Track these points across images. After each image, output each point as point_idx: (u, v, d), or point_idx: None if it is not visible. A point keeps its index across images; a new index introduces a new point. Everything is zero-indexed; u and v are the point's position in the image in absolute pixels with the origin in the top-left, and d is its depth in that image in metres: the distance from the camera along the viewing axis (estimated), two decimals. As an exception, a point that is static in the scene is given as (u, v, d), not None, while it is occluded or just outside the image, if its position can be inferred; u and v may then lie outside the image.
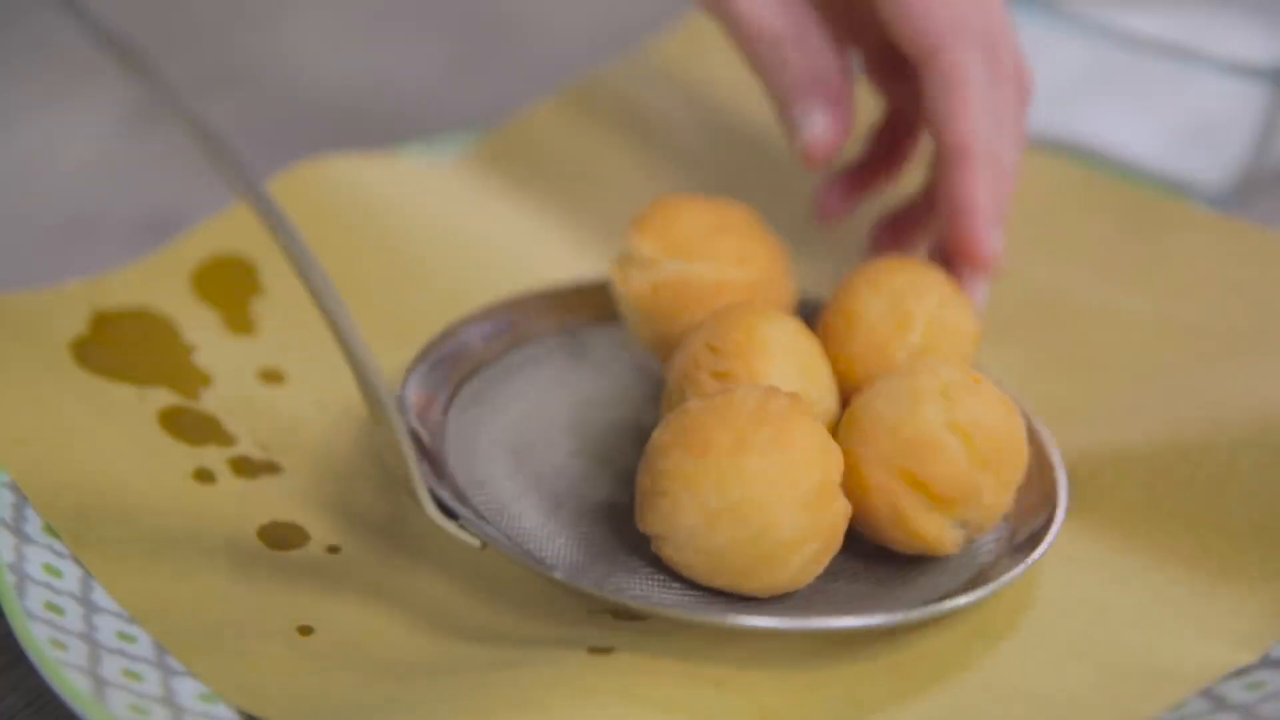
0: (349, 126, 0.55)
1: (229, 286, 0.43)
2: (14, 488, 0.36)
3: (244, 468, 0.38)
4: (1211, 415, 0.39)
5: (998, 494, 0.35)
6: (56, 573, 0.34)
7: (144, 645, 0.33)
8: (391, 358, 0.40)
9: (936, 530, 0.35)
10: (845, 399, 0.38)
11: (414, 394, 0.38)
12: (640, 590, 0.34)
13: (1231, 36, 0.57)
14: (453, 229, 0.46)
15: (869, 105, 0.48)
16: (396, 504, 0.38)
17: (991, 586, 0.34)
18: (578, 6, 0.63)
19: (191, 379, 0.40)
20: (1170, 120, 0.51)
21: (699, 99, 0.52)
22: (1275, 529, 0.36)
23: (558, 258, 0.46)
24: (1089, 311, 0.44)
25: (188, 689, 0.32)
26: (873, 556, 0.36)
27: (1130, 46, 0.50)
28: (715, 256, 0.39)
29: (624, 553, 0.36)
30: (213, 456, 0.38)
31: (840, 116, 0.43)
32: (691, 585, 0.35)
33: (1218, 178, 0.50)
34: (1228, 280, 0.44)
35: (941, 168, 0.41)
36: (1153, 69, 0.50)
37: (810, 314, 0.41)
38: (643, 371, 0.41)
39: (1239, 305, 0.43)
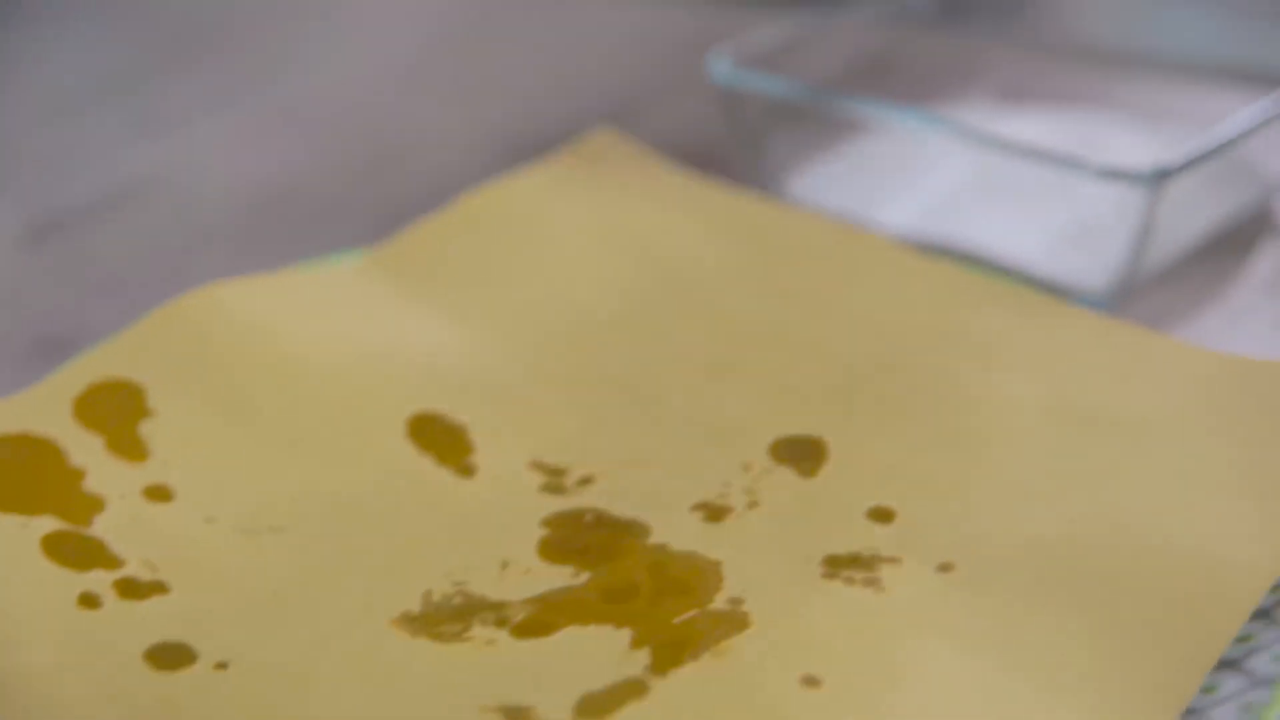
0: (252, 238, 0.55)
1: (116, 410, 0.43)
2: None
3: (131, 589, 0.38)
4: (1096, 502, 0.40)
5: None
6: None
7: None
8: (286, 484, 0.40)
9: None
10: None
11: None
12: None
13: (1112, 142, 0.58)
14: (352, 341, 0.46)
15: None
16: (286, 618, 0.38)
17: None
18: (482, 117, 0.64)
19: (80, 505, 0.40)
20: (1052, 225, 0.52)
21: (599, 213, 0.52)
22: (1158, 623, 0.36)
23: (460, 368, 0.46)
24: (976, 398, 0.45)
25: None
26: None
27: (1013, 153, 0.51)
28: None
29: None
30: (99, 580, 0.38)
31: None
32: None
33: (1099, 281, 0.51)
34: (1112, 373, 0.45)
35: None
36: (1036, 175, 0.51)
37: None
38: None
39: (1119, 398, 0.44)
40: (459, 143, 0.62)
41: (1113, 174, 0.50)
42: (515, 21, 0.72)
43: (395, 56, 0.70)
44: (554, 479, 0.41)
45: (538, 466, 0.41)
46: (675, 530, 0.40)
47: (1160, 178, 0.50)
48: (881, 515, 0.40)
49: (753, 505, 0.41)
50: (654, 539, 0.40)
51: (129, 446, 0.42)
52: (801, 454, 0.42)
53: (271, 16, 0.75)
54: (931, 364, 0.46)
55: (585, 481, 0.41)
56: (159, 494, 0.41)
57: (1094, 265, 0.51)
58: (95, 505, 0.40)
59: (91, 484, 0.41)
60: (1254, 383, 0.44)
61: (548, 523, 0.40)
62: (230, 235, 0.56)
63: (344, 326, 0.47)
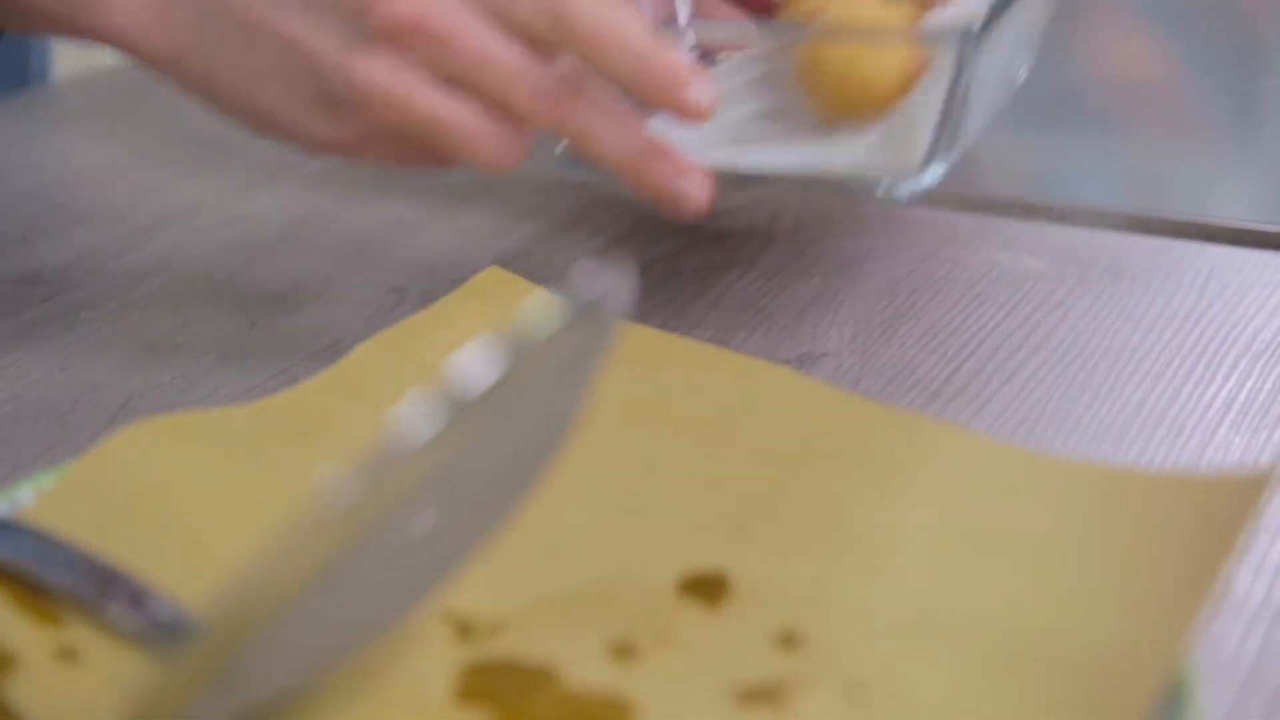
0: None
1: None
2: None
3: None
4: (994, 618, 0.41)
5: None
6: None
7: None
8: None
9: None
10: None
11: None
12: None
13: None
14: (250, 489, 0.46)
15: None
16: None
17: None
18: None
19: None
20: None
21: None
22: None
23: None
24: (875, 524, 0.45)
25: None
26: None
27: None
28: None
29: None
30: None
31: (692, 166, 0.52)
32: None
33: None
34: (1003, 495, 0.46)
35: None
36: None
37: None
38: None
39: (1011, 519, 0.45)
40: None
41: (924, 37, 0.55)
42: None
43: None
44: (463, 629, 0.41)
45: (447, 618, 0.42)
46: (587, 671, 0.40)
47: (969, 35, 0.53)
48: (790, 641, 0.41)
49: (662, 641, 0.41)
50: (566, 681, 0.40)
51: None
52: (707, 587, 0.43)
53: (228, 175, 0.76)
54: (830, 492, 0.47)
55: (495, 630, 0.41)
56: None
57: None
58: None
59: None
60: (1134, 495, 0.46)
61: (459, 673, 0.40)
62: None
63: (241, 474, 0.47)
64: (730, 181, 0.56)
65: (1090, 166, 0.82)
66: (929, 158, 0.55)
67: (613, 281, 0.36)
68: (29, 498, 0.46)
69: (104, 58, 0.83)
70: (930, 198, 0.69)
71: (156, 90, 0.82)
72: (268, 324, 0.60)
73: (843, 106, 0.57)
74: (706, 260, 0.64)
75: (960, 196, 0.69)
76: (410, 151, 0.54)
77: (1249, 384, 0.55)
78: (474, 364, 0.34)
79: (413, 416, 0.33)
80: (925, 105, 0.55)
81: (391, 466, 0.33)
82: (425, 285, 0.62)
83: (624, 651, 0.41)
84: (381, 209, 0.70)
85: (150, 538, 0.44)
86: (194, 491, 0.46)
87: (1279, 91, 0.99)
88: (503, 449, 0.37)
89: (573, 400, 0.40)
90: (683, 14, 0.65)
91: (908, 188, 0.56)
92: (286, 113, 0.54)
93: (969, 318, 0.59)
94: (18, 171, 0.78)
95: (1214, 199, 0.79)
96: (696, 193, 0.53)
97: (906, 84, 0.56)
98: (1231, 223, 0.67)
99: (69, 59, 0.91)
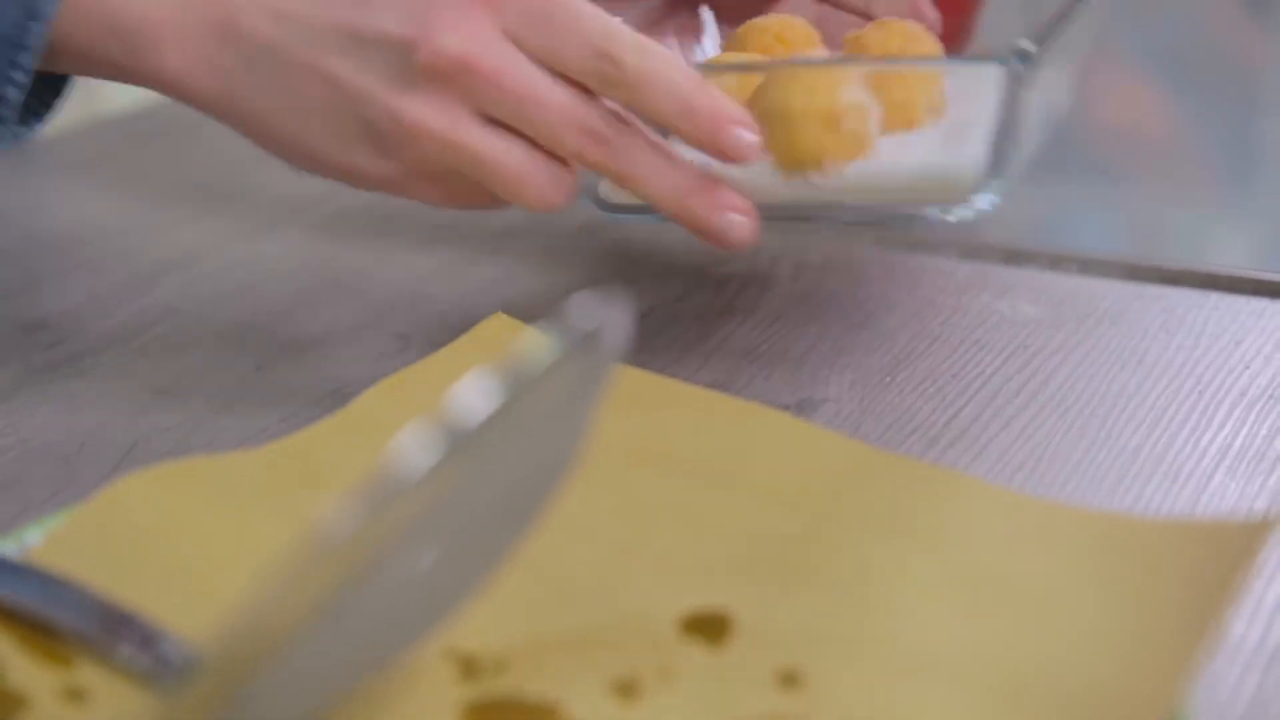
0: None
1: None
2: None
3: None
4: (997, 663, 0.41)
5: None
6: None
7: None
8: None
9: None
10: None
11: None
12: None
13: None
14: (256, 533, 0.47)
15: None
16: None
17: None
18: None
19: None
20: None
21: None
22: None
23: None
24: (878, 567, 0.46)
25: None
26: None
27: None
28: None
29: None
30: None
31: (737, 201, 0.54)
32: None
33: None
34: (1006, 541, 0.47)
35: None
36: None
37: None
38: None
39: (1013, 565, 0.46)
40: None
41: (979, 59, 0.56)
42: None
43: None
44: (467, 666, 0.42)
45: (450, 654, 0.42)
46: (590, 709, 0.40)
47: (1025, 59, 0.53)
48: (791, 680, 0.41)
49: (664, 680, 0.41)
50: (568, 719, 0.40)
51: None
52: (709, 626, 0.43)
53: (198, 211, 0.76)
54: (831, 534, 0.47)
55: (499, 666, 0.42)
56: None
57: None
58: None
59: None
60: (1132, 541, 0.46)
61: (463, 710, 0.40)
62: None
63: (247, 517, 0.47)
64: (772, 214, 0.57)
65: (1088, 215, 0.83)
66: (980, 186, 0.56)
67: (610, 314, 0.37)
68: (37, 540, 0.46)
69: (92, 109, 0.84)
70: (928, 245, 0.70)
71: (156, 139, 0.83)
72: (272, 369, 0.61)
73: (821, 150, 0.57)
74: (707, 306, 0.65)
75: (958, 244, 0.70)
76: (457, 192, 0.55)
77: (1244, 430, 0.55)
78: (472, 397, 0.34)
79: (411, 449, 0.34)
80: (974, 129, 0.56)
81: (391, 499, 0.33)
82: (430, 331, 0.62)
83: (626, 689, 0.41)
84: (386, 255, 0.71)
85: (158, 579, 0.45)
86: (201, 534, 0.47)
87: (1274, 141, 1.00)
88: (502, 481, 0.38)
89: (572, 433, 0.40)
90: (710, 47, 0.66)
91: (960, 213, 0.56)
92: (334, 151, 0.54)
93: (967, 364, 0.60)
94: (23, 218, 0.78)
95: (1210, 247, 0.80)
96: (741, 228, 0.54)
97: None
98: (1227, 270, 0.67)
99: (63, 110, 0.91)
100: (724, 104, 0.52)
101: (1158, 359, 0.60)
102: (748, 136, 0.52)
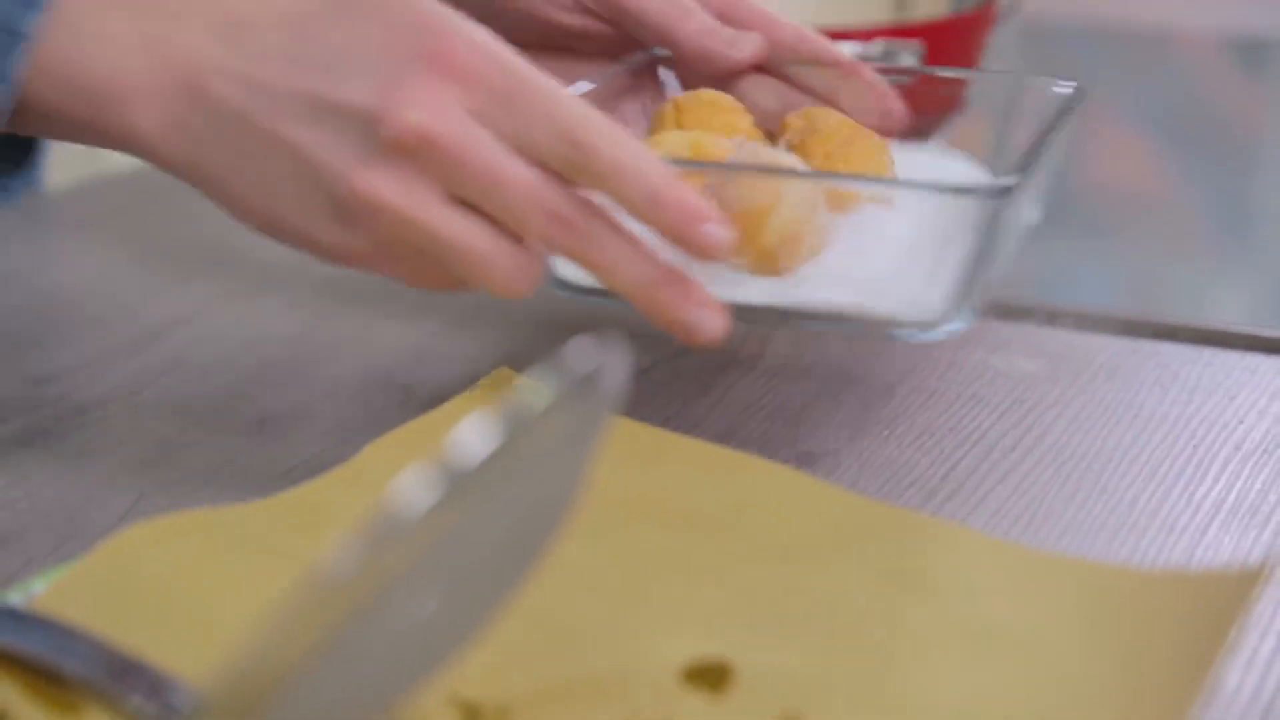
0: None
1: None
2: None
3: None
4: (1000, 711, 0.41)
5: None
6: None
7: None
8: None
9: None
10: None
11: None
12: None
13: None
14: (261, 582, 0.47)
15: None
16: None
17: None
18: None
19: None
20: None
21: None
22: None
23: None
24: (876, 616, 0.46)
25: None
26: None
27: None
28: None
29: None
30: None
31: (706, 297, 0.52)
32: None
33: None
34: (1003, 592, 0.47)
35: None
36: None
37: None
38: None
39: (1009, 615, 0.46)
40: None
41: (958, 190, 0.55)
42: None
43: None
44: (470, 714, 0.42)
45: (453, 701, 0.42)
46: (592, 759, 0.41)
47: (1004, 191, 0.54)
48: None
49: (667, 729, 0.42)
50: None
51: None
52: (710, 675, 0.44)
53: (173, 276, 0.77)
54: (830, 585, 0.48)
55: (502, 714, 0.42)
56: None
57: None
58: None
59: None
60: (1127, 592, 0.47)
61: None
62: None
63: (251, 565, 0.48)
64: (745, 314, 0.57)
65: (1084, 271, 0.83)
66: (951, 313, 0.56)
67: (607, 358, 0.37)
68: (43, 590, 0.47)
69: (98, 166, 0.85)
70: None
71: (159, 197, 0.84)
72: (276, 424, 0.61)
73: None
74: (707, 361, 0.65)
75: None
76: (421, 271, 0.54)
77: (1239, 484, 0.56)
78: (471, 439, 0.35)
79: (411, 490, 0.34)
80: (948, 259, 0.56)
81: (391, 539, 0.34)
82: (433, 386, 0.63)
83: (628, 739, 0.41)
84: (388, 312, 0.71)
85: (163, 627, 0.45)
86: (206, 582, 0.47)
87: (1267, 200, 1.00)
88: (502, 522, 0.38)
89: (571, 475, 0.40)
90: (672, 87, 0.67)
91: (930, 336, 0.57)
92: (298, 221, 0.54)
93: (964, 418, 0.61)
94: (28, 275, 0.79)
95: (1205, 303, 0.81)
96: (710, 324, 0.53)
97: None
98: (1222, 326, 0.68)
99: (62, 169, 0.92)
100: (694, 198, 0.52)
101: (1153, 413, 0.61)
102: (718, 233, 0.51)
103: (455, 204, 0.52)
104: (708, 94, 0.63)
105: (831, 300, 0.57)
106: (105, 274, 0.79)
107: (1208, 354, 0.66)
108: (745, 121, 0.62)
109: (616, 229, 0.52)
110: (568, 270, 0.58)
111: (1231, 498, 0.55)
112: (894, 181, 0.60)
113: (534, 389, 0.36)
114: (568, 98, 0.52)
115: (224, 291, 0.74)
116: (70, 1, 0.53)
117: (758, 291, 0.57)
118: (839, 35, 0.79)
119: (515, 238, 0.52)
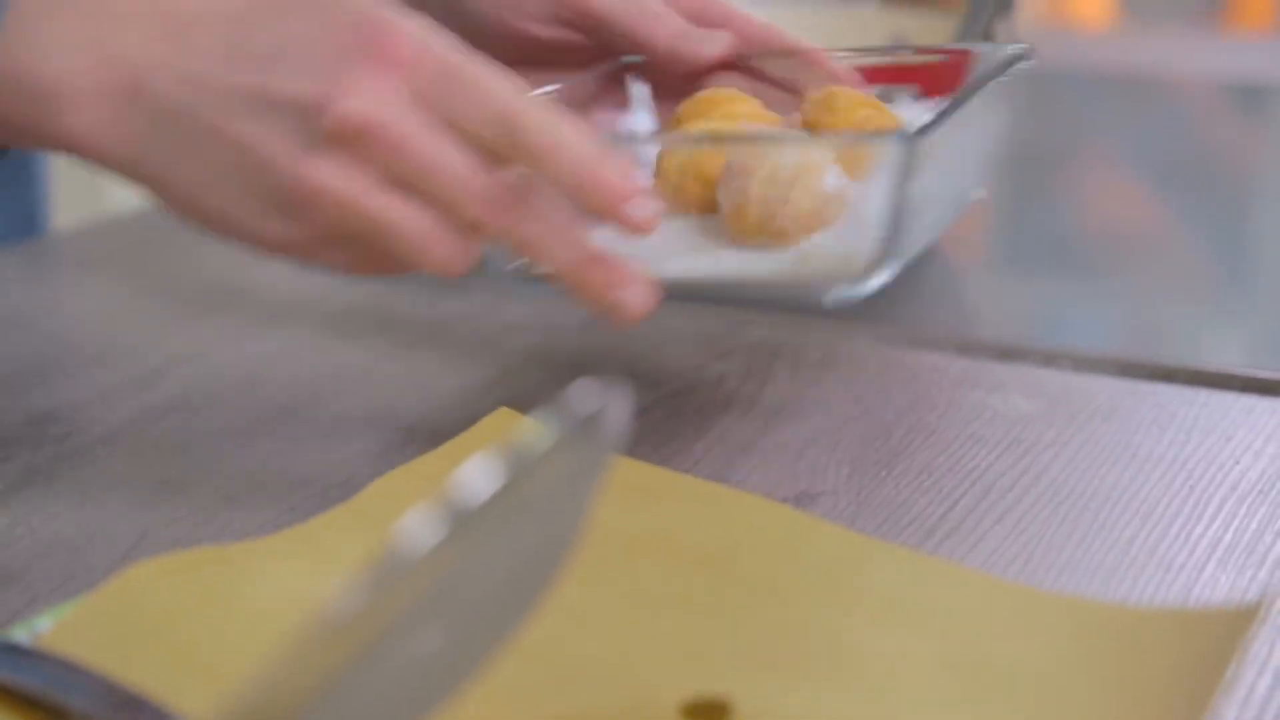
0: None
1: None
2: None
3: None
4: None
5: None
6: None
7: None
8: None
9: None
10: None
11: None
12: None
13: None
14: (266, 620, 0.47)
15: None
16: None
17: None
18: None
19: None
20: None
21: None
22: None
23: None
24: (873, 654, 0.47)
25: None
26: None
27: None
28: None
29: None
30: None
31: (635, 276, 0.53)
32: None
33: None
34: (996, 628, 0.47)
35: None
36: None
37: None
38: None
39: (1003, 651, 0.46)
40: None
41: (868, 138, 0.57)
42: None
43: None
44: None
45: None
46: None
47: (914, 138, 0.54)
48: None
49: (666, 766, 0.42)
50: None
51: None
52: (710, 713, 0.44)
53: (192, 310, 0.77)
54: (828, 623, 0.48)
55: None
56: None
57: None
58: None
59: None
60: (1124, 629, 0.47)
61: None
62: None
63: (256, 604, 0.48)
64: (677, 290, 0.57)
65: (1081, 312, 0.84)
66: (874, 265, 0.56)
67: (608, 399, 0.38)
68: (47, 627, 0.47)
69: (101, 207, 0.86)
70: (924, 341, 0.71)
71: (162, 238, 0.84)
72: (279, 462, 0.62)
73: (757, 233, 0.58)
74: (706, 400, 0.66)
75: (953, 340, 0.71)
76: (362, 258, 0.55)
77: (1235, 524, 0.56)
78: (474, 479, 0.35)
79: (414, 530, 0.34)
80: (869, 212, 0.57)
81: (395, 577, 0.34)
82: (434, 425, 0.63)
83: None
84: (388, 350, 0.72)
85: (167, 664, 0.45)
86: (210, 619, 0.47)
87: (1263, 244, 1.01)
88: (505, 562, 0.38)
89: (573, 515, 0.41)
90: (643, 120, 0.67)
91: (851, 293, 0.57)
92: (239, 215, 0.54)
93: (962, 458, 0.61)
94: (32, 314, 0.80)
95: (1201, 345, 0.81)
96: (635, 302, 0.54)
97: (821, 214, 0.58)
98: (1219, 368, 0.68)
99: (66, 210, 0.93)
100: (625, 176, 0.53)
101: (1150, 454, 0.61)
102: (648, 208, 0.53)
103: (394, 189, 0.53)
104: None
105: (759, 268, 0.57)
106: (108, 314, 0.80)
107: (1204, 395, 0.66)
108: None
109: (546, 211, 0.54)
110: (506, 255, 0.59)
111: (1228, 537, 0.55)
112: (809, 135, 0.61)
113: (536, 429, 0.37)
114: (502, 81, 0.53)
115: (225, 331, 0.75)
116: (24, 4, 0.54)
117: (689, 265, 0.58)
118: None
119: (452, 221, 0.53)
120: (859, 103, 0.62)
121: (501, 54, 0.58)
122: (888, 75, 0.81)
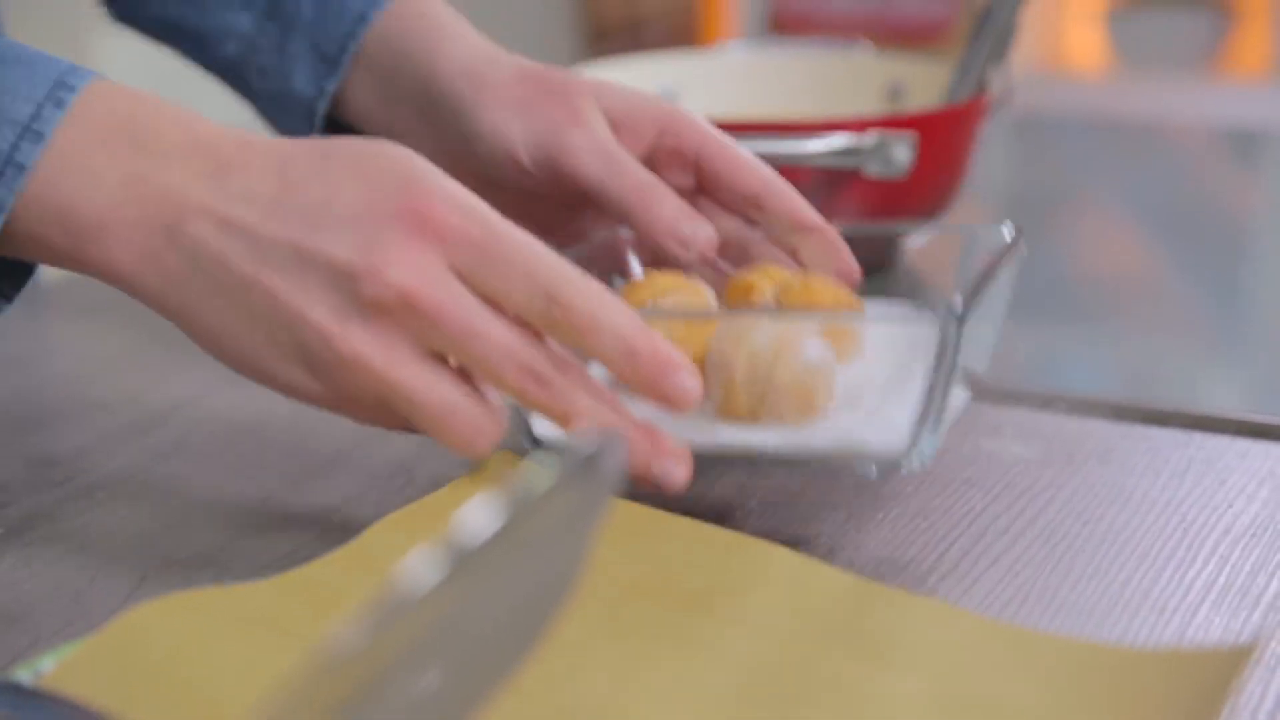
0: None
1: None
2: None
3: None
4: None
5: None
6: None
7: None
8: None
9: None
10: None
11: None
12: None
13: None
14: (264, 663, 0.48)
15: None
16: None
17: None
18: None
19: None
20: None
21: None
22: None
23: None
24: (869, 695, 0.47)
25: None
26: None
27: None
28: None
29: None
30: None
31: (674, 448, 0.55)
32: None
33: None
34: (992, 669, 0.48)
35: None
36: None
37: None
38: None
39: (999, 691, 0.47)
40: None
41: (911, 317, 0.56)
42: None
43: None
44: None
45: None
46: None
47: (957, 315, 0.54)
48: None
49: (664, 806, 0.42)
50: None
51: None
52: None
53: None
54: (825, 663, 0.48)
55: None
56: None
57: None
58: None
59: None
60: (1118, 670, 0.47)
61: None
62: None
63: (257, 645, 0.48)
64: (715, 460, 0.58)
65: (1076, 356, 0.84)
66: (916, 439, 0.57)
67: (607, 442, 0.38)
68: (50, 668, 0.47)
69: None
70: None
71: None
72: (280, 504, 0.62)
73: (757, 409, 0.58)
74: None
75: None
76: (382, 417, 0.56)
77: (1229, 566, 0.56)
78: (475, 519, 0.36)
79: (416, 569, 0.35)
80: (905, 385, 0.57)
81: (395, 617, 0.34)
82: (434, 466, 0.64)
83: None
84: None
85: (169, 705, 0.46)
86: (212, 661, 0.48)
87: (1257, 288, 1.02)
88: (504, 601, 0.39)
89: (573, 555, 0.41)
90: (635, 270, 0.67)
91: (894, 469, 0.58)
92: (267, 363, 0.55)
93: (957, 501, 0.61)
94: (31, 360, 0.80)
95: (1195, 389, 0.82)
96: (676, 472, 0.55)
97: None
98: (1213, 412, 0.69)
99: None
100: (667, 350, 0.53)
101: (1144, 497, 0.62)
102: (689, 383, 0.53)
103: (428, 359, 0.54)
104: (659, 277, 0.63)
105: (802, 444, 0.58)
106: (107, 359, 0.80)
107: (1198, 439, 0.67)
108: (670, 281, 0.62)
109: (588, 383, 0.54)
110: (539, 426, 0.59)
111: (1222, 579, 0.56)
112: (860, 316, 0.62)
113: (536, 471, 0.37)
114: (545, 253, 0.54)
115: (225, 375, 0.75)
116: (62, 135, 0.54)
117: (732, 438, 0.58)
118: (833, 126, 0.80)
119: (480, 398, 0.54)
120: (815, 285, 0.62)
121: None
122: (885, 123, 0.82)
